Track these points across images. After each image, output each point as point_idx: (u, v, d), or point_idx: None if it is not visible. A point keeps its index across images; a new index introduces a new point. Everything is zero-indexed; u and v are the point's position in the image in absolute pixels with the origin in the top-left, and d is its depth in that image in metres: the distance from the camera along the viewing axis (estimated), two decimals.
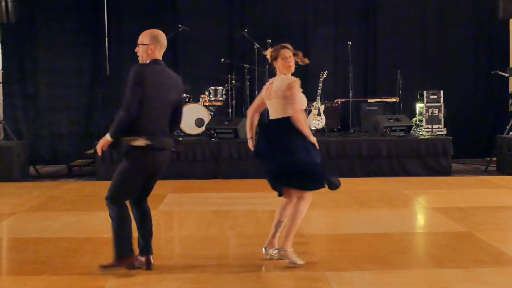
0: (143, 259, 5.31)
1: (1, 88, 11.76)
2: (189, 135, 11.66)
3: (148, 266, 5.30)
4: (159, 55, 5.10)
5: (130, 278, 5.19)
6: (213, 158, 10.99)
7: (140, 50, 5.11)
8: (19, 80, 13.24)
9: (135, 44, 5.11)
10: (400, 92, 12.51)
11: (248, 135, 5.92)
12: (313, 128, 11.66)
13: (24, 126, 13.33)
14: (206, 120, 11.56)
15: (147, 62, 5.07)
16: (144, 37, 5.09)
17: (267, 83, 5.72)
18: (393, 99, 12.54)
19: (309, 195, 5.53)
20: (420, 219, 7.92)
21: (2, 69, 11.74)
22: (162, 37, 5.11)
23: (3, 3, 11.11)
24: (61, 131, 13.40)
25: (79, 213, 7.92)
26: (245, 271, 5.32)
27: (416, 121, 12.65)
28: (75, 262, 5.69)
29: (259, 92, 12.18)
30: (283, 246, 5.47)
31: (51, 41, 13.30)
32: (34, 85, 13.35)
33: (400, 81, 12.50)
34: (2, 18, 11.20)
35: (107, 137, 4.89)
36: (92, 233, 6.84)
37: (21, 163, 11.15)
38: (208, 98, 11.97)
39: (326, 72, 11.84)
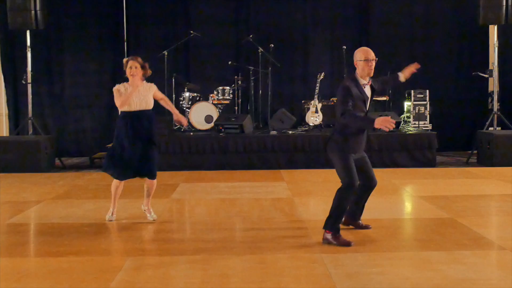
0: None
1: (30, 88, 11.72)
2: (200, 130, 11.63)
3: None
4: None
5: (145, 258, 5.18)
6: (221, 151, 10.95)
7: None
8: (47, 81, 13.21)
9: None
10: (390, 91, 12.46)
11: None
12: (311, 124, 11.64)
13: (51, 122, 13.30)
14: (215, 117, 11.52)
15: None
16: None
17: (128, 86, 6.41)
18: (384, 98, 12.49)
19: None
20: (408, 206, 7.89)
21: (32, 71, 11.71)
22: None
23: (33, 12, 11.09)
24: (84, 126, 13.37)
25: (100, 201, 7.91)
26: (249, 253, 5.30)
27: (404, 117, 12.60)
28: (96, 245, 5.68)
29: (263, 91, 12.27)
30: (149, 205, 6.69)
31: (76, 45, 13.25)
32: (60, 85, 13.32)
33: None
34: (31, 25, 11.18)
35: None
36: None
37: (47, 156, 11.14)
38: (217, 97, 11.93)
39: (323, 73, 11.80)
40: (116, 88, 6.43)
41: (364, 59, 5.55)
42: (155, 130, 6.62)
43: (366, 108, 5.67)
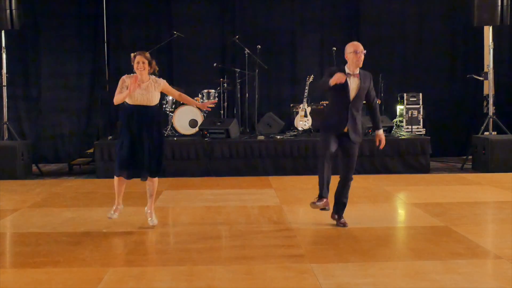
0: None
1: (5, 91, 11.65)
2: (184, 135, 11.62)
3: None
4: None
5: (127, 269, 5.16)
6: (206, 157, 10.95)
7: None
8: (23, 84, 13.17)
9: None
10: (382, 94, 12.52)
11: None
12: (300, 129, 11.67)
13: (27, 127, 13.25)
14: (200, 121, 11.52)
15: None
16: None
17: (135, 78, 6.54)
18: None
19: None
20: (401, 214, 7.92)
21: (7, 73, 11.65)
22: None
23: (8, 11, 11.05)
24: (62, 131, 13.32)
25: (79, 209, 7.87)
26: (236, 263, 5.30)
27: (396, 121, 12.67)
28: (75, 255, 5.65)
29: (249, 94, 12.22)
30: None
31: (53, 46, 13.22)
32: (36, 88, 13.27)
33: (382, 85, 12.51)
34: (6, 25, 11.14)
35: None
36: (91, 228, 6.80)
37: (24, 162, 11.08)
38: (201, 100, 11.92)
39: (312, 75, 11.83)
40: (123, 77, 6.63)
41: (353, 51, 6.31)
42: (159, 126, 6.82)
43: (349, 98, 6.32)
